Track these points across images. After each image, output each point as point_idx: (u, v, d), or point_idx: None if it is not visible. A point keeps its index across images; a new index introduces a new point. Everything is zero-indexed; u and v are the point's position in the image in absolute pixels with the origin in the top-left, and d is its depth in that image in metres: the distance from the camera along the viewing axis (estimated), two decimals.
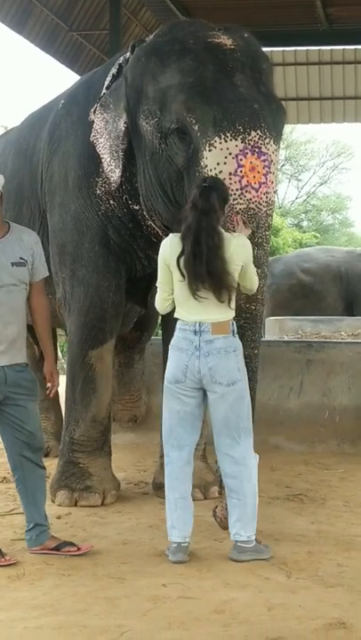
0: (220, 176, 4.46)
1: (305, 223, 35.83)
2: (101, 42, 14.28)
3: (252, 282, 4.39)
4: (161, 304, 4.43)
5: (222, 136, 4.52)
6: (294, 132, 35.33)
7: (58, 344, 10.80)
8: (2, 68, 50.49)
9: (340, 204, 38.20)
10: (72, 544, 4.39)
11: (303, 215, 36.43)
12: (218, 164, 4.50)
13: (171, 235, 4.43)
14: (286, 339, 9.52)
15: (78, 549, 4.36)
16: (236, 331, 4.33)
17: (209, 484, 5.46)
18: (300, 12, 13.58)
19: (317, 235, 31.93)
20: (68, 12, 13.35)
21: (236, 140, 4.51)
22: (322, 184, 37.97)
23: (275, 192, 4.64)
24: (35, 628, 3.38)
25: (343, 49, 15.60)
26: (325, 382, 7.18)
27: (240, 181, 4.47)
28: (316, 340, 9.15)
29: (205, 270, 4.15)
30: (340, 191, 38.71)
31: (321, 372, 7.23)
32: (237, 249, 4.25)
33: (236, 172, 4.48)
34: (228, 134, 4.52)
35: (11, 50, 53.78)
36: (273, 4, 13.17)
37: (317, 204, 37.49)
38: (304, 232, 32.16)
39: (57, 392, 7.12)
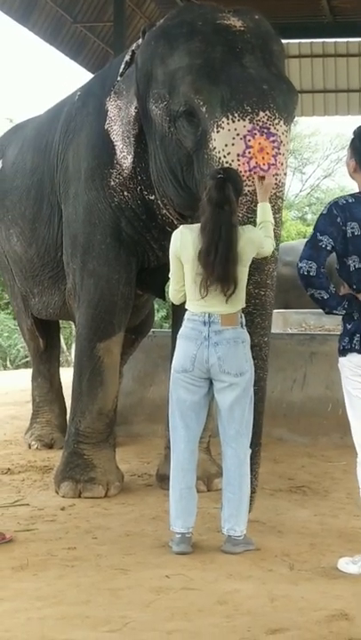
0: (229, 157, 4.45)
1: (309, 216, 35.67)
2: (105, 34, 14.26)
3: (266, 249, 4.40)
4: (174, 295, 4.44)
5: (230, 117, 4.49)
6: (298, 124, 35.20)
7: (62, 336, 10.84)
8: (6, 61, 50.42)
9: None
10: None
11: (307, 208, 36.30)
12: (226, 145, 4.48)
13: (181, 226, 4.43)
14: (290, 331, 9.52)
15: (3, 538, 4.39)
16: (244, 323, 4.33)
17: (212, 476, 5.47)
18: (304, 4, 13.53)
19: None
20: (72, 5, 13.32)
21: (245, 120, 4.47)
22: (326, 177, 37.83)
23: (285, 174, 4.59)
24: (38, 619, 3.39)
25: (347, 41, 15.55)
26: (329, 375, 7.16)
27: (248, 162, 4.44)
28: (320, 332, 9.16)
29: (217, 263, 4.16)
30: (344, 184, 38.46)
31: (324, 364, 7.22)
32: (246, 246, 4.25)
33: (244, 153, 4.45)
34: (236, 115, 4.48)
35: (15, 42, 53.64)
36: None
37: (321, 197, 37.36)
38: (308, 225, 32.08)
39: (61, 384, 7.22)
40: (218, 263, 4.15)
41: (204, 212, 4.23)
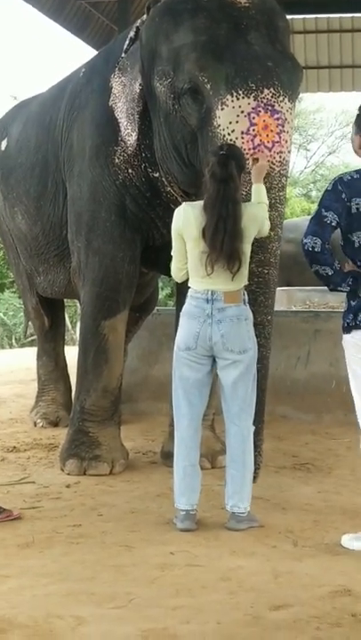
0: (233, 135, 4.44)
1: (313, 193, 35.57)
2: (110, 10, 14.14)
3: (265, 229, 4.38)
4: (176, 273, 4.44)
5: (234, 94, 4.47)
6: (303, 101, 35.06)
7: (67, 315, 10.84)
8: (10, 38, 50.22)
9: None
10: (5, 509, 4.44)
11: (312, 185, 36.19)
12: (230, 122, 4.46)
13: (183, 204, 4.42)
14: (294, 309, 9.51)
15: (9, 515, 4.42)
16: (247, 300, 4.33)
17: (216, 453, 5.49)
18: None
19: None
20: None
21: (249, 97, 4.46)
22: (330, 153, 37.70)
23: (289, 152, 4.58)
24: (43, 596, 3.41)
25: (352, 17, 15.40)
26: (333, 352, 7.14)
27: (252, 140, 4.43)
28: (324, 309, 9.15)
29: (224, 240, 4.14)
30: (349, 161, 38.34)
31: (328, 341, 7.21)
32: (249, 222, 4.24)
33: (248, 130, 4.43)
34: (241, 92, 4.47)
35: (18, 19, 53.39)
36: None
37: (326, 174, 37.22)
38: (313, 202, 32.00)
39: (66, 362, 7.23)
40: (224, 240, 4.15)
41: (207, 189, 4.22)
